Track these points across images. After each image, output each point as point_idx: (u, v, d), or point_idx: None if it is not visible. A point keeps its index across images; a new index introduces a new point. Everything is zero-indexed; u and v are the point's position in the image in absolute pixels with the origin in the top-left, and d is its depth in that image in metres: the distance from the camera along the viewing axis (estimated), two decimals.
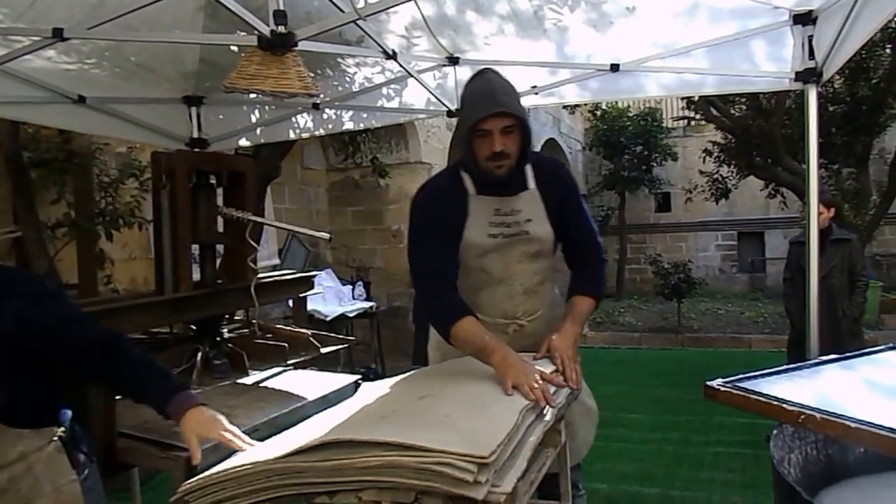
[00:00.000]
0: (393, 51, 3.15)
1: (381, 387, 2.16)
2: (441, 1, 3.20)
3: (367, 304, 7.74)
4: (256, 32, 2.42)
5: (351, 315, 7.32)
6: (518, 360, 2.02)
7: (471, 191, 2.33)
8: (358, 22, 2.61)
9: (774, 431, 1.77)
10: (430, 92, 3.74)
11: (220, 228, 2.72)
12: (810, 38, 3.01)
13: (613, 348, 10.00)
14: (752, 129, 9.63)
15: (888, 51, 8.79)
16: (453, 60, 3.65)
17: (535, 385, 1.89)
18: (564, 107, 13.96)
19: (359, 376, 2.78)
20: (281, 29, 2.38)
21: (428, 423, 1.57)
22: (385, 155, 8.90)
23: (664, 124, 15.51)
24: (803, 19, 2.99)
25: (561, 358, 2.19)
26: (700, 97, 9.76)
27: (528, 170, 2.39)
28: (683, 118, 13.30)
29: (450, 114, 3.87)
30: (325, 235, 2.68)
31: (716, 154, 11.68)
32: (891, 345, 2.18)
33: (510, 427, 1.53)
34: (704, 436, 5.33)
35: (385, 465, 1.39)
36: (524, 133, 2.23)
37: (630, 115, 15.10)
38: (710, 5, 3.16)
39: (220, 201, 2.69)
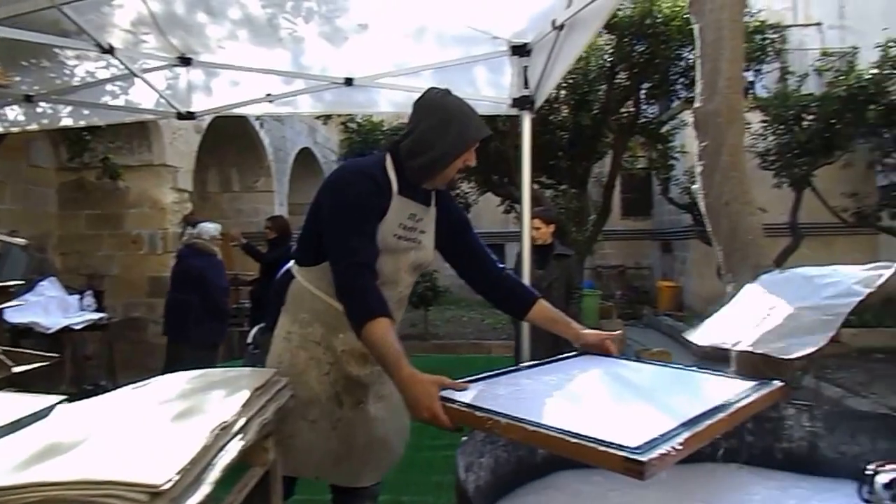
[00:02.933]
0: (110, 45, 2.96)
1: (80, 407, 1.99)
2: None
3: (96, 316, 7.13)
4: None
5: (77, 327, 6.70)
6: (419, 379, 1.85)
7: (395, 188, 2.32)
8: (66, 11, 2.41)
9: (465, 438, 1.80)
10: (159, 93, 3.55)
11: None
12: (525, 69, 3.28)
13: None
14: (490, 150, 10.24)
15: (605, 87, 9.80)
16: (185, 61, 3.49)
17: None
18: (317, 117, 13.95)
19: (65, 397, 2.54)
20: None
21: (107, 448, 1.46)
22: (124, 156, 8.39)
23: None
24: (520, 51, 3.26)
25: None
26: None
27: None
28: None
29: (180, 116, 3.70)
30: (21, 242, 2.42)
31: None
32: (580, 350, 2.37)
33: (197, 450, 1.47)
34: (438, 440, 5.44)
35: (46, 500, 1.28)
36: None
37: (384, 129, 15.42)
38: (437, 30, 3.31)
39: None
